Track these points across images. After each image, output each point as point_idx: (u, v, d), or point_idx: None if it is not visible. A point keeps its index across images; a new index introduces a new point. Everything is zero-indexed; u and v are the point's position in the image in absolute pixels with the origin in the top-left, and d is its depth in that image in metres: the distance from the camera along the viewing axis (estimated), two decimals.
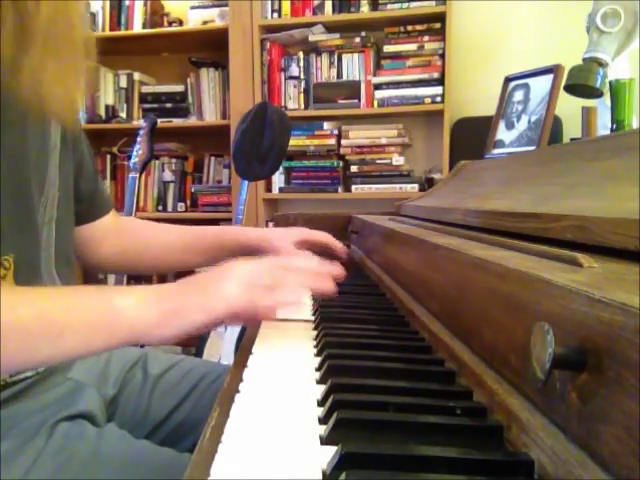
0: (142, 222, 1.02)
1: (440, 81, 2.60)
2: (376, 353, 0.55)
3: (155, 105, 3.02)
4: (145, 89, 3.05)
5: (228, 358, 2.24)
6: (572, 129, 2.15)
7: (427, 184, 2.60)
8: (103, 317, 0.56)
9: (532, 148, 1.30)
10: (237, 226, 1.07)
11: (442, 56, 2.60)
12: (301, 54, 2.79)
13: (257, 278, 0.60)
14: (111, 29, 3.00)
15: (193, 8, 2.93)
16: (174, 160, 3.09)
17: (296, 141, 2.67)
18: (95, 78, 2.71)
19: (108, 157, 3.15)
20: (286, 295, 0.60)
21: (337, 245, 0.99)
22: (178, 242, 0.97)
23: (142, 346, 1.04)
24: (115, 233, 0.93)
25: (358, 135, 2.73)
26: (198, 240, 0.97)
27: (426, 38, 2.63)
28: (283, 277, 0.61)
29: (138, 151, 2.53)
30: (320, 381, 0.49)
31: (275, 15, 2.77)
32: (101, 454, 0.66)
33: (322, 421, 0.41)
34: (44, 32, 0.59)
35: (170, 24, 2.97)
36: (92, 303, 0.57)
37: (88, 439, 0.68)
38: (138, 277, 2.49)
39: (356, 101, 2.70)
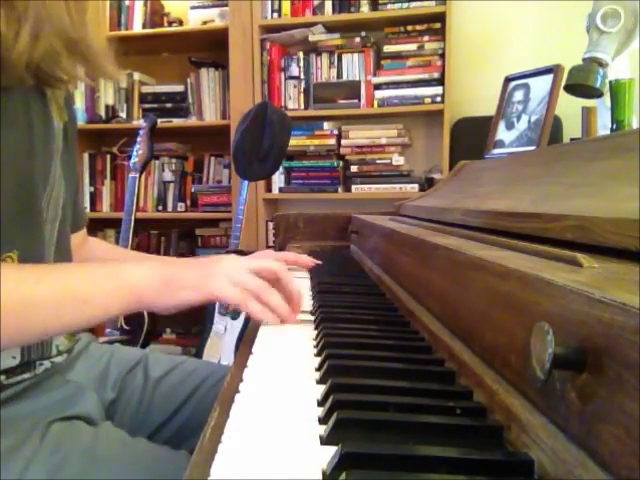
0: (105, 247, 1.01)
1: (440, 81, 2.60)
2: (376, 353, 0.55)
3: (155, 105, 3.02)
4: (145, 89, 3.05)
5: (228, 358, 2.24)
6: (572, 129, 2.15)
7: (427, 184, 2.60)
8: (119, 285, 0.64)
9: (532, 148, 1.30)
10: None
11: (442, 56, 2.60)
12: (301, 54, 2.79)
13: (245, 281, 0.66)
14: (111, 29, 2.99)
15: (193, 8, 2.92)
16: (174, 160, 3.09)
17: (296, 141, 2.67)
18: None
19: (108, 157, 3.14)
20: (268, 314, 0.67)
21: (299, 259, 0.95)
22: None
23: (143, 347, 1.04)
24: (77, 251, 0.87)
25: (358, 135, 2.73)
26: None
27: (426, 38, 2.63)
28: (268, 295, 0.67)
29: (138, 151, 2.53)
30: (320, 381, 0.49)
31: (275, 15, 2.77)
32: (97, 452, 0.66)
33: (322, 421, 0.41)
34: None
35: (170, 24, 2.97)
36: (108, 273, 0.64)
37: (84, 438, 0.67)
38: None
39: (356, 101, 2.70)
